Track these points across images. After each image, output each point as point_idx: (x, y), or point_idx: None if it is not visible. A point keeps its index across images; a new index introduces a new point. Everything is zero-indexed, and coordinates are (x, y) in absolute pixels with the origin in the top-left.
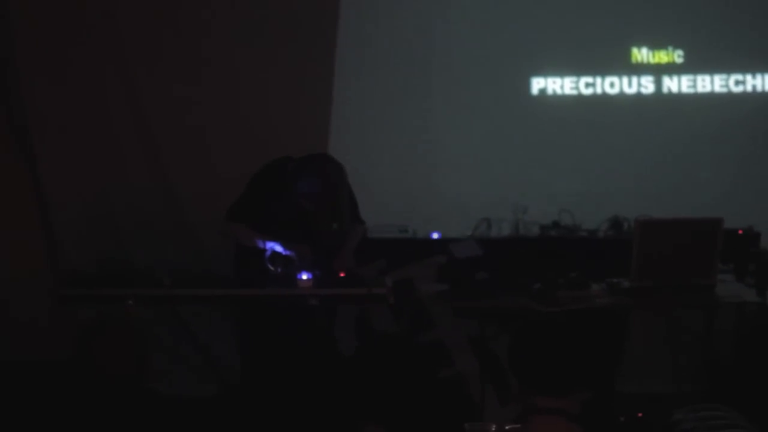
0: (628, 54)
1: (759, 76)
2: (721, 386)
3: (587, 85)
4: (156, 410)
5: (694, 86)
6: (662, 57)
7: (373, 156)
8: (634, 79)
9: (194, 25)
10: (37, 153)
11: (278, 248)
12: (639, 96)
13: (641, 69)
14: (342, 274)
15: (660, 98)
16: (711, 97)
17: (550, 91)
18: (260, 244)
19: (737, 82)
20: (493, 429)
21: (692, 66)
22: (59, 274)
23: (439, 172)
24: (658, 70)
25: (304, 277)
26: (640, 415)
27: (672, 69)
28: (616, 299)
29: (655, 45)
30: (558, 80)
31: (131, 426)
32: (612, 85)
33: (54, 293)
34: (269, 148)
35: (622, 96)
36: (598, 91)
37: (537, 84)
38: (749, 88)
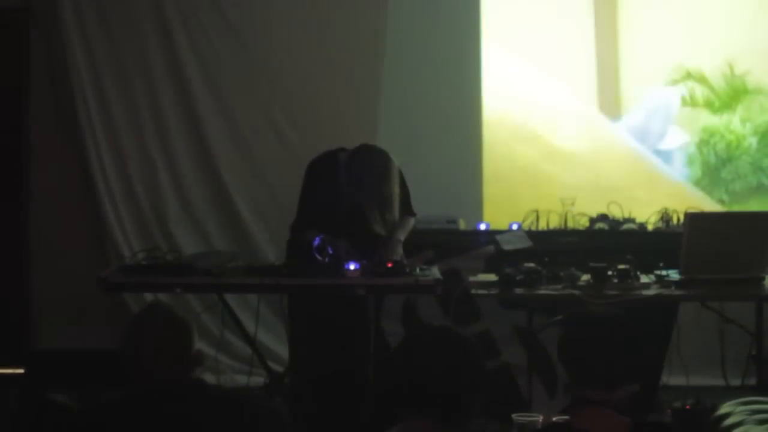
0: None
1: None
2: None
3: None
4: (203, 400)
5: None
6: None
7: (421, 147)
8: None
9: (244, 19)
10: (87, 145)
11: (323, 239)
12: None
13: None
14: (390, 264)
15: None
16: None
17: None
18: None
19: None
20: (541, 420)
21: None
22: (108, 263)
23: (487, 164)
24: None
25: (352, 266)
26: (687, 407)
27: None
28: (664, 292)
29: None
30: None
31: (179, 416)
32: None
33: (102, 281)
34: (317, 140)
35: None
36: None
37: None
38: None
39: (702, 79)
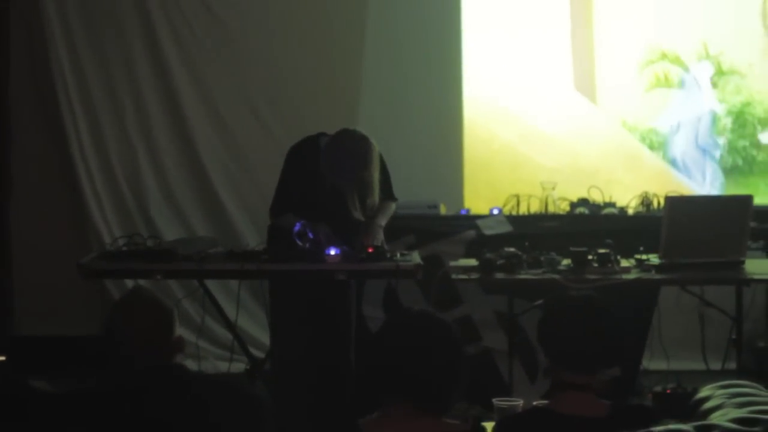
0: None
1: None
2: (750, 363)
3: None
4: (184, 386)
5: None
6: None
7: (402, 132)
8: None
9: (226, 6)
10: (68, 133)
11: (303, 225)
12: None
13: None
14: (370, 250)
15: None
16: None
17: None
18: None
19: None
20: (521, 405)
21: None
22: (89, 250)
23: (467, 147)
24: None
25: (332, 252)
26: (668, 391)
27: None
28: (645, 276)
29: None
30: None
31: (161, 401)
32: None
33: (83, 268)
34: (298, 126)
35: None
36: None
37: None
38: None
39: (677, 60)
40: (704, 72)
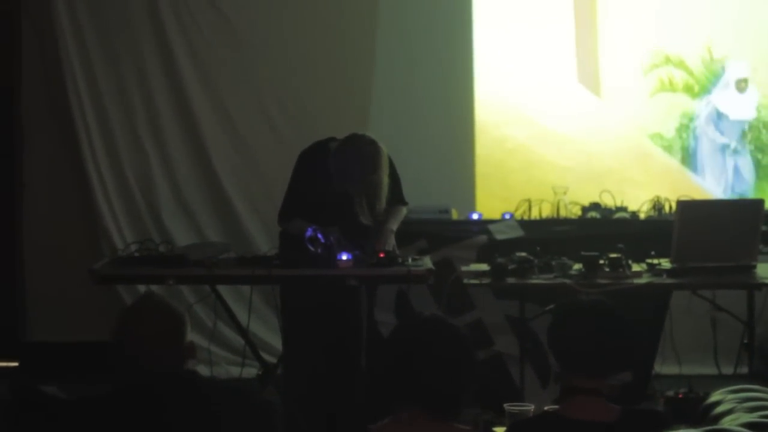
0: None
1: None
2: (762, 367)
3: None
4: (195, 392)
5: None
6: None
7: (414, 136)
8: None
9: (236, 10)
10: (79, 138)
11: (315, 230)
12: None
13: None
14: (382, 255)
15: None
16: None
17: None
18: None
19: None
20: (532, 410)
21: None
22: (102, 255)
23: (481, 150)
24: None
25: (344, 257)
26: (680, 396)
27: None
28: (656, 280)
29: None
30: None
31: (173, 407)
32: None
33: (95, 274)
34: (309, 130)
35: None
36: None
37: None
38: None
39: (681, 64)
40: (730, 73)
